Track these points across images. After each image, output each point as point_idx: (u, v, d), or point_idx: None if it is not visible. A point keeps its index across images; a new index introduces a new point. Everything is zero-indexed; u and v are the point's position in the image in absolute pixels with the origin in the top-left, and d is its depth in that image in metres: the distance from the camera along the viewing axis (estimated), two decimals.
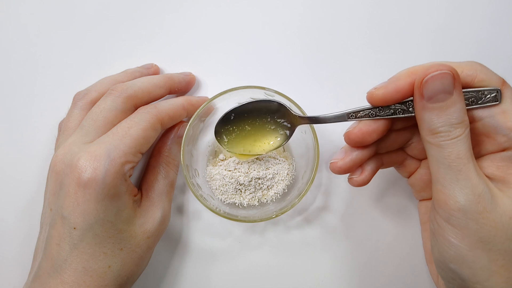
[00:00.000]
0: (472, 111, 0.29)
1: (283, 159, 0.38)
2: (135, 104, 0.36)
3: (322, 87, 0.42)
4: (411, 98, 0.29)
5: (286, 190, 0.38)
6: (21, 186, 0.41)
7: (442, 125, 0.27)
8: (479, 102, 0.28)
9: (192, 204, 0.41)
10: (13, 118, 0.42)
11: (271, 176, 0.37)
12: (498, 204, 0.27)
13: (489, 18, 0.42)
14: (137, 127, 0.33)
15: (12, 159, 0.42)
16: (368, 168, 0.33)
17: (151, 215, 0.35)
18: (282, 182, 0.38)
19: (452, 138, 0.26)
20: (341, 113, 0.31)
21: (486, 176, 0.29)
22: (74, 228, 0.31)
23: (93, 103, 0.36)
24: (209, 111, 0.38)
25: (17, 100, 0.43)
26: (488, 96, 0.28)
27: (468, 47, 0.42)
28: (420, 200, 0.37)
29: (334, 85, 0.42)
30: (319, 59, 0.42)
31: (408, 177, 0.36)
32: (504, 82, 0.29)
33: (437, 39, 0.42)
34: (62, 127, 0.36)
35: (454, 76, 0.26)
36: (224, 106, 0.38)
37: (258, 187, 0.37)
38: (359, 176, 0.33)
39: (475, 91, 0.28)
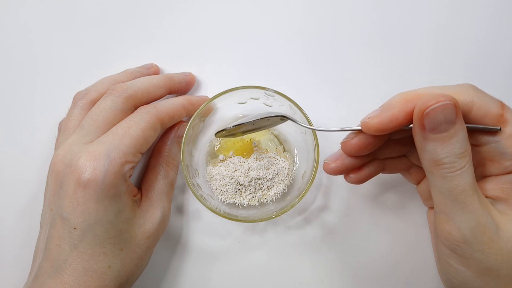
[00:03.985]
0: (476, 136, 0.29)
1: (283, 159, 0.38)
2: (135, 104, 0.36)
3: (322, 87, 0.42)
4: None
5: (286, 190, 0.38)
6: (21, 186, 0.41)
7: (446, 156, 0.26)
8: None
9: (192, 204, 0.41)
10: (13, 118, 0.42)
11: (271, 176, 0.37)
12: (502, 231, 0.27)
13: (489, 18, 0.42)
14: (137, 127, 0.33)
15: (12, 159, 0.42)
16: (366, 170, 0.33)
17: (151, 215, 0.35)
18: (282, 182, 0.38)
19: (457, 169, 0.26)
20: (343, 129, 0.31)
21: (489, 197, 0.29)
22: (74, 228, 0.31)
23: (93, 103, 0.36)
24: (209, 111, 0.38)
25: (17, 100, 0.43)
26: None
27: (468, 47, 0.42)
28: (429, 208, 0.36)
29: (334, 85, 0.42)
30: (319, 59, 0.42)
31: (417, 184, 0.36)
32: (503, 105, 0.28)
33: (437, 39, 0.42)
34: (62, 127, 0.36)
35: (455, 106, 0.25)
36: (224, 106, 0.38)
37: (258, 187, 0.37)
38: (354, 174, 0.33)
39: (476, 127, 0.28)
